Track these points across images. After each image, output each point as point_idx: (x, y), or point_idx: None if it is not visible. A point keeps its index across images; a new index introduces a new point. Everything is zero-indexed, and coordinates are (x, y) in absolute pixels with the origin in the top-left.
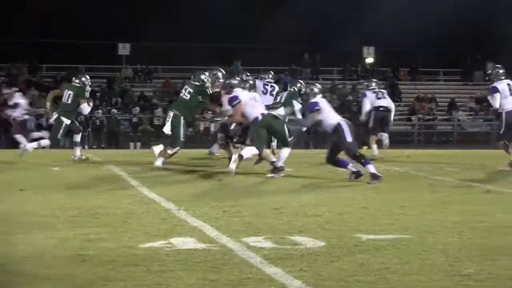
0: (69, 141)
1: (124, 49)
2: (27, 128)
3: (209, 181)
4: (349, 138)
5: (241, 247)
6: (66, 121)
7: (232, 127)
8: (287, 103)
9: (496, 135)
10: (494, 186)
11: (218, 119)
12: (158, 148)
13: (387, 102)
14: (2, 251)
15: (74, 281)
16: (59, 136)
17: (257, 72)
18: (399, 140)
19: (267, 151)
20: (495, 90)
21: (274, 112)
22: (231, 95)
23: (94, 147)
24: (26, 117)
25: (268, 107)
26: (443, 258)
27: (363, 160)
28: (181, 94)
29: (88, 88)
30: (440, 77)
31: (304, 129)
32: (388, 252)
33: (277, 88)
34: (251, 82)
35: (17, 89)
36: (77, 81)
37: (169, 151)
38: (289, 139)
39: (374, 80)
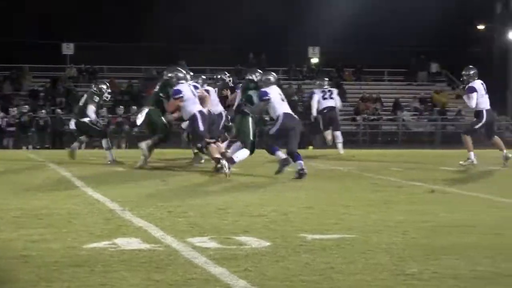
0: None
1: (68, 48)
2: None
3: (154, 182)
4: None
5: (186, 247)
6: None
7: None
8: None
9: (466, 129)
10: (438, 186)
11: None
12: (145, 144)
13: (333, 102)
14: None
15: (17, 282)
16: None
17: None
18: (344, 140)
19: (214, 147)
20: (473, 89)
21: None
22: (175, 88)
23: (38, 147)
24: None
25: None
26: (388, 257)
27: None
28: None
29: (107, 96)
30: (384, 77)
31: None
32: (333, 252)
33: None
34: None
35: None
36: (95, 88)
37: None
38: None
39: (326, 79)
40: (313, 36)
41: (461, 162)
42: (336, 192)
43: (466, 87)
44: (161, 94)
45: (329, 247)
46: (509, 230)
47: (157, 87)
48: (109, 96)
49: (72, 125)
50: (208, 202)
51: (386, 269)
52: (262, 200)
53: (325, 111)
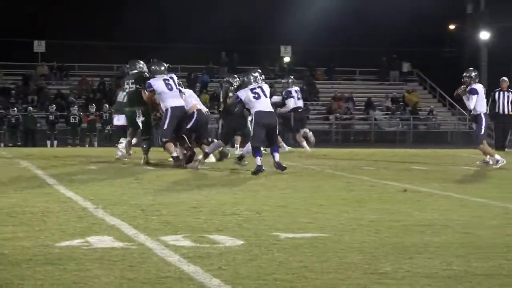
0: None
1: (39, 46)
2: None
3: (127, 180)
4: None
5: (159, 245)
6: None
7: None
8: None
9: (475, 139)
10: (410, 185)
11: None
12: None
13: (301, 102)
14: None
15: None
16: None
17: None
18: (316, 139)
19: (171, 144)
20: (475, 91)
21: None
22: (148, 81)
23: (10, 145)
24: None
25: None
26: (361, 256)
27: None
28: (125, 90)
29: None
30: (356, 77)
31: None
32: (306, 251)
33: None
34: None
35: None
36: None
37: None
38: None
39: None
40: (285, 35)
41: (493, 167)
42: (309, 191)
43: (469, 88)
44: (138, 86)
45: (302, 246)
46: (481, 230)
47: (127, 85)
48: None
49: (120, 120)
50: (181, 200)
51: (359, 268)
52: (236, 199)
53: (299, 110)
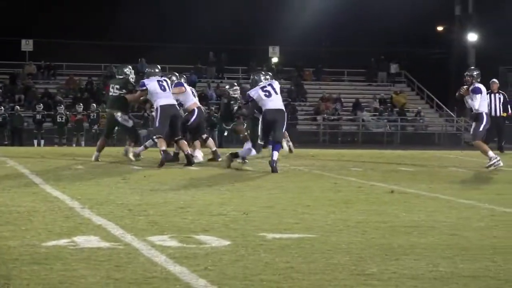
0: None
1: (27, 45)
2: None
3: (114, 179)
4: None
5: (146, 246)
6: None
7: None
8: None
9: (473, 136)
10: (397, 186)
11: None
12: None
13: None
14: None
15: None
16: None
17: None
18: (304, 140)
19: (161, 140)
20: (479, 90)
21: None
22: (141, 80)
23: None
24: None
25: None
26: (347, 257)
27: None
28: (110, 93)
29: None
30: (344, 78)
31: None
32: (293, 251)
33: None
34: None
35: None
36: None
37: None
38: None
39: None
40: (274, 36)
41: (486, 166)
42: (297, 192)
43: (472, 87)
44: (121, 92)
45: (289, 247)
46: (468, 231)
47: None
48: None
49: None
50: (168, 200)
51: (345, 269)
52: (222, 199)
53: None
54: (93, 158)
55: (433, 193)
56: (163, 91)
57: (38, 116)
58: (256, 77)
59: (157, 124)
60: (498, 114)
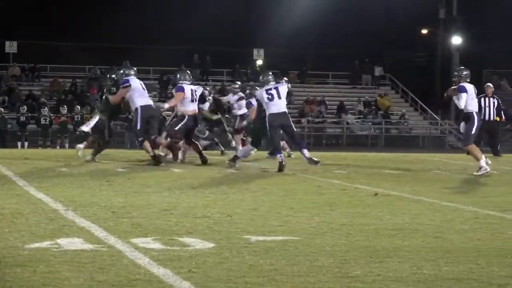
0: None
1: (11, 47)
2: None
3: (98, 182)
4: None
5: (129, 248)
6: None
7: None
8: None
9: (464, 139)
10: (381, 189)
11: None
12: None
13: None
14: None
15: None
16: None
17: (147, 73)
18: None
19: (147, 143)
20: (463, 89)
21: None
22: (123, 78)
23: None
24: None
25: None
26: (331, 259)
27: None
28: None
29: None
30: (329, 80)
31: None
32: (277, 254)
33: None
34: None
35: None
36: None
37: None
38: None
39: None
40: (258, 39)
41: (474, 173)
42: (281, 195)
43: (457, 86)
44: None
45: (273, 249)
46: (451, 234)
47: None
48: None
49: None
50: (152, 203)
51: (329, 271)
52: (207, 202)
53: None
54: (88, 157)
55: (417, 196)
56: (143, 90)
57: (22, 118)
58: (264, 78)
59: (138, 127)
60: (491, 118)
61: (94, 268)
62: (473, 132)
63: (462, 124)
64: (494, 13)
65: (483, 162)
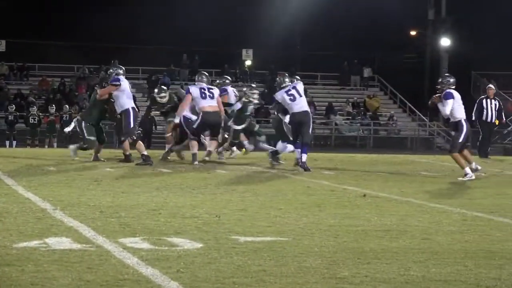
0: None
1: None
2: None
3: (86, 182)
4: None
5: (117, 247)
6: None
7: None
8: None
9: (451, 146)
10: (370, 190)
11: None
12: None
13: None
14: None
15: None
16: None
17: (136, 72)
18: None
19: (140, 143)
20: (450, 96)
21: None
22: (115, 76)
23: None
24: None
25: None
26: (319, 260)
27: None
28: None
29: None
30: (317, 81)
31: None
32: (265, 254)
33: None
34: None
35: None
36: None
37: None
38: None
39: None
40: (247, 39)
41: (459, 179)
42: (269, 195)
43: (443, 93)
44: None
45: (261, 250)
46: (439, 235)
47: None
48: None
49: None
50: (140, 203)
51: (318, 272)
52: (195, 202)
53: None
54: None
55: (405, 197)
56: (130, 93)
57: (10, 117)
58: (281, 79)
59: (131, 125)
60: (492, 120)
61: (82, 267)
62: (460, 140)
63: (453, 134)
64: (482, 15)
65: (468, 169)
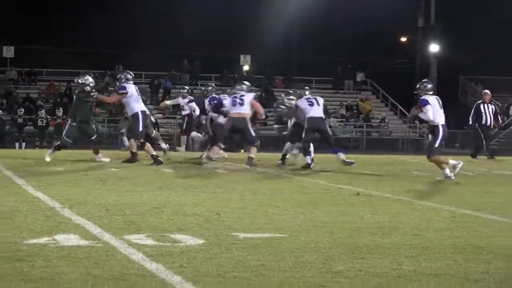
0: None
1: (8, 51)
2: None
3: (93, 181)
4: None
5: (123, 244)
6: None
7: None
8: None
9: (429, 151)
10: (363, 189)
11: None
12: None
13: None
14: None
15: None
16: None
17: (139, 77)
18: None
19: (149, 145)
20: (425, 102)
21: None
22: (121, 84)
23: None
24: None
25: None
26: (315, 256)
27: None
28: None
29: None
30: (313, 85)
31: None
32: (264, 250)
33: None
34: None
35: None
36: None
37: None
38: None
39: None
40: (245, 45)
41: (438, 178)
42: (267, 194)
43: (419, 100)
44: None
45: (260, 246)
46: (430, 232)
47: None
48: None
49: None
50: (144, 201)
51: (314, 267)
52: (196, 200)
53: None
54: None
55: (397, 196)
56: (139, 95)
57: (20, 120)
58: (302, 92)
59: (140, 128)
60: (489, 123)
61: (89, 263)
62: (436, 145)
63: (430, 137)
64: (470, 22)
65: (447, 170)
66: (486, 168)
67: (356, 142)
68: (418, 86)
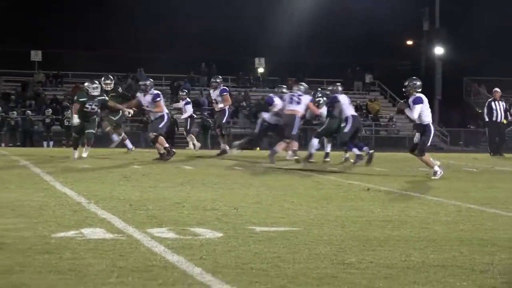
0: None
1: (36, 55)
2: None
3: (117, 178)
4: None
5: (146, 237)
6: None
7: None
8: None
9: (419, 150)
10: (373, 184)
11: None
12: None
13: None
14: None
15: None
16: None
17: (159, 79)
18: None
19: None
20: (420, 100)
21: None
22: (153, 93)
23: (10, 145)
24: None
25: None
26: (328, 248)
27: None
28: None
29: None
30: (324, 86)
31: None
32: (279, 243)
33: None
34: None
35: None
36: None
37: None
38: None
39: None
40: (259, 48)
41: (432, 177)
42: (282, 189)
43: (412, 98)
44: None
45: (275, 239)
46: (437, 225)
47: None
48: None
49: None
50: (166, 196)
51: (327, 258)
52: (215, 196)
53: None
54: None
55: (405, 191)
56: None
57: (47, 120)
58: (334, 88)
59: (161, 125)
60: (500, 120)
61: (115, 255)
62: (428, 144)
63: (417, 135)
64: (473, 25)
65: (436, 167)
66: (489, 164)
67: (365, 140)
68: (407, 83)
